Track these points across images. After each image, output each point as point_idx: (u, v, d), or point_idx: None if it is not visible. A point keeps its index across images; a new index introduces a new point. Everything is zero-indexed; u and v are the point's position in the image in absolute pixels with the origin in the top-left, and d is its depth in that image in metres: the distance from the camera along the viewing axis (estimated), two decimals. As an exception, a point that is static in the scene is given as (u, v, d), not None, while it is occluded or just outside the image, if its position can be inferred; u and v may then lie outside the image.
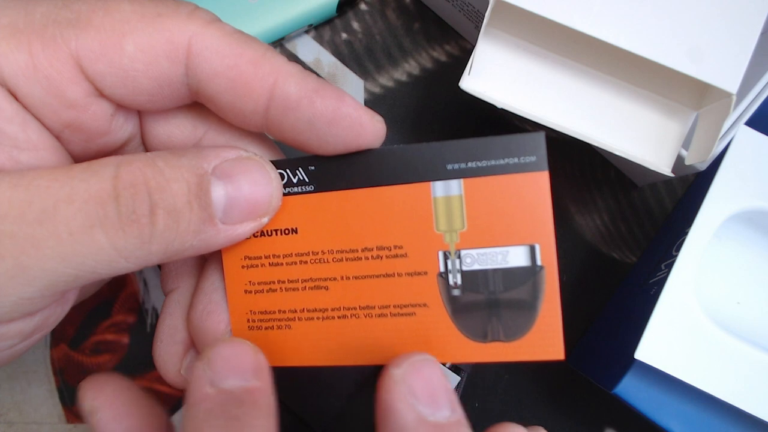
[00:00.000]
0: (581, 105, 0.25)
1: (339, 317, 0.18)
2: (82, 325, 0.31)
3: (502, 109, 0.24)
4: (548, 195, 0.16)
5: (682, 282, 0.23)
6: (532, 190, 0.16)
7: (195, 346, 0.19)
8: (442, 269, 0.17)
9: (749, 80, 0.25)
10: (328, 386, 0.30)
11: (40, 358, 0.30)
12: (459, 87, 0.24)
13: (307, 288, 0.18)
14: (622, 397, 0.24)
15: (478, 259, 0.17)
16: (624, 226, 0.32)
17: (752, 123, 0.25)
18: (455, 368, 0.29)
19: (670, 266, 0.24)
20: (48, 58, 0.15)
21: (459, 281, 0.17)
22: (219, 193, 0.16)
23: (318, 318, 0.18)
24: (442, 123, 0.32)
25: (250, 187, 0.16)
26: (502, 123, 0.32)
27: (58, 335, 0.31)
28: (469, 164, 0.16)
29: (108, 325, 0.31)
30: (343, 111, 0.16)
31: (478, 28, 0.29)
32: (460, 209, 0.17)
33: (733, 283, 0.26)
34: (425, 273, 0.17)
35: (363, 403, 0.31)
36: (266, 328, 0.18)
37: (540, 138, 0.16)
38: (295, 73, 0.16)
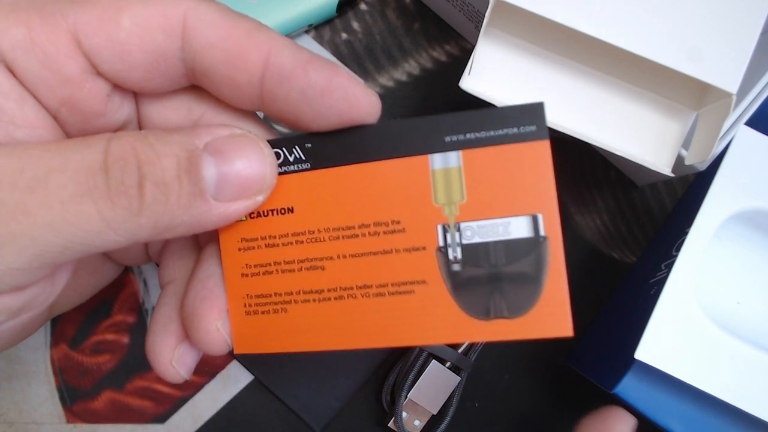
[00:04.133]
0: (581, 105, 0.25)
1: (336, 298, 0.17)
2: (82, 325, 0.31)
3: (502, 109, 0.24)
4: (550, 164, 0.16)
5: (682, 282, 0.23)
6: (533, 159, 0.16)
7: (187, 335, 0.19)
8: (441, 243, 0.16)
9: (749, 80, 0.25)
10: (328, 386, 0.30)
11: (40, 358, 0.30)
12: (459, 87, 0.24)
13: (303, 269, 0.18)
14: (622, 397, 0.24)
15: (478, 231, 0.16)
16: (624, 226, 0.32)
17: (752, 123, 0.25)
18: (455, 368, 0.29)
19: (670, 266, 0.24)
20: (45, 32, 0.15)
21: (459, 255, 0.16)
22: (210, 169, 0.16)
23: (314, 300, 0.17)
24: (442, 123, 0.32)
25: (242, 163, 0.16)
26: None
27: (58, 335, 0.31)
28: (468, 135, 0.16)
29: (108, 325, 0.31)
30: (336, 81, 0.16)
31: (478, 28, 0.29)
32: (459, 181, 0.16)
33: (733, 283, 0.26)
34: (424, 248, 0.16)
35: (363, 403, 0.31)
36: (262, 313, 0.18)
37: (540, 107, 0.15)
38: (289, 44, 0.16)
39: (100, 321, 0.31)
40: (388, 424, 0.29)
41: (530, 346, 0.31)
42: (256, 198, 0.17)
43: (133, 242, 0.16)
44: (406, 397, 0.29)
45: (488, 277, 0.16)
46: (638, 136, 0.25)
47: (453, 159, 0.16)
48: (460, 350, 0.29)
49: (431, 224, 0.16)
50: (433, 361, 0.29)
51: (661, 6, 0.23)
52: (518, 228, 0.16)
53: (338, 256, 0.17)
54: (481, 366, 0.31)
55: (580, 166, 0.32)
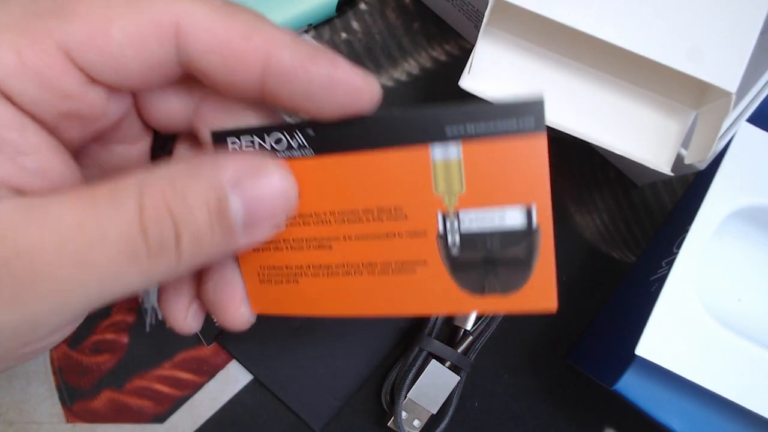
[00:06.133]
0: (581, 104, 0.25)
1: (343, 273, 0.18)
2: (82, 324, 0.31)
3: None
4: (545, 158, 0.17)
5: (683, 279, 0.23)
6: (530, 153, 0.17)
7: (210, 314, 0.20)
8: (441, 231, 0.17)
9: (749, 79, 0.25)
10: (328, 386, 0.30)
11: (39, 358, 0.30)
12: (459, 86, 0.24)
13: (311, 247, 0.18)
14: (622, 393, 0.24)
15: (475, 220, 0.17)
16: (624, 226, 0.32)
17: (752, 122, 0.25)
18: (455, 368, 0.29)
19: (671, 263, 0.24)
20: (36, 53, 0.15)
21: (457, 241, 0.17)
22: (237, 208, 0.16)
23: (323, 274, 0.19)
24: (441, 123, 0.32)
25: (267, 197, 0.16)
26: (502, 123, 0.32)
27: (58, 335, 0.31)
28: (468, 127, 0.16)
29: (107, 325, 0.31)
30: (338, 76, 0.16)
31: (477, 28, 0.29)
32: (459, 172, 0.17)
33: (734, 280, 0.26)
34: (424, 234, 0.17)
35: (363, 402, 0.31)
36: (275, 282, 0.19)
37: (539, 102, 0.16)
38: (288, 41, 0.16)
39: (100, 320, 0.31)
40: (388, 424, 0.29)
41: (530, 344, 0.31)
42: (282, 221, 0.18)
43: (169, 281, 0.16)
44: (406, 397, 0.29)
45: (484, 261, 0.17)
46: (638, 135, 0.25)
47: (453, 151, 0.17)
48: (459, 350, 0.29)
49: (432, 212, 0.17)
50: (433, 360, 0.29)
51: (660, 5, 0.23)
52: (513, 218, 0.17)
53: (344, 238, 0.18)
54: (480, 365, 0.31)
55: (580, 166, 0.32)
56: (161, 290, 0.20)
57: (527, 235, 0.17)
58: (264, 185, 0.16)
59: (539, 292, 0.17)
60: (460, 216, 0.17)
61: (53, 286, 0.14)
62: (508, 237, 0.17)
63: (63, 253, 0.14)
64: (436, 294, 0.18)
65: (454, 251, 0.17)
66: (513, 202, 0.17)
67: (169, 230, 0.15)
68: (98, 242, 0.14)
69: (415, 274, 0.18)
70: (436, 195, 0.17)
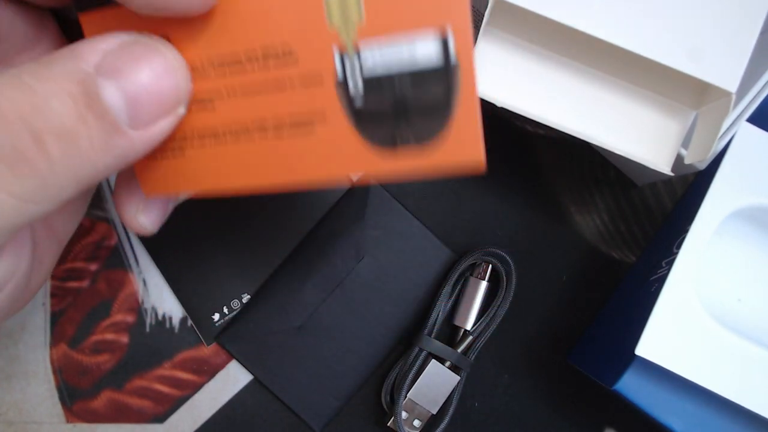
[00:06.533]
0: (581, 104, 0.25)
1: (233, 141, 0.16)
2: (82, 324, 0.31)
3: (502, 108, 0.24)
4: None
5: (682, 279, 0.23)
6: None
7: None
8: (339, 75, 0.15)
9: (748, 79, 0.25)
10: (328, 386, 0.30)
11: (39, 358, 0.30)
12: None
13: (192, 110, 0.16)
14: (622, 393, 0.24)
15: (380, 57, 0.14)
16: (623, 226, 0.32)
17: (752, 122, 0.25)
18: (454, 368, 0.29)
19: (670, 263, 0.24)
20: None
21: (360, 88, 0.15)
22: (113, 94, 0.13)
23: (211, 144, 0.16)
24: (441, 123, 0.32)
25: (148, 76, 0.14)
26: (502, 122, 0.32)
27: (58, 335, 0.31)
28: None
29: (107, 325, 0.31)
30: None
31: (477, 28, 0.29)
32: None
33: (734, 280, 0.26)
34: (320, 80, 0.15)
35: (363, 402, 0.31)
36: (162, 158, 0.17)
37: None
38: None
39: (100, 320, 0.31)
40: (388, 424, 0.29)
41: (530, 345, 0.31)
42: (178, 111, 0.15)
43: (61, 203, 0.14)
44: (406, 397, 0.29)
45: (393, 108, 0.15)
46: (638, 135, 0.25)
47: None
48: (459, 350, 0.29)
49: (326, 50, 0.14)
50: (433, 360, 0.29)
51: (660, 5, 0.23)
52: (425, 50, 0.14)
53: (227, 94, 0.16)
54: (480, 366, 0.31)
55: (580, 166, 0.32)
56: (114, 185, 0.18)
57: (444, 71, 0.14)
58: (144, 68, 0.14)
59: (461, 143, 0.14)
60: (362, 54, 0.14)
61: None
62: (420, 76, 0.14)
63: None
64: (341, 153, 0.15)
65: (358, 101, 0.15)
66: (424, 26, 0.14)
67: (18, 129, 0.12)
68: None
69: (313, 132, 0.15)
70: (330, 29, 0.14)
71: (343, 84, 0.15)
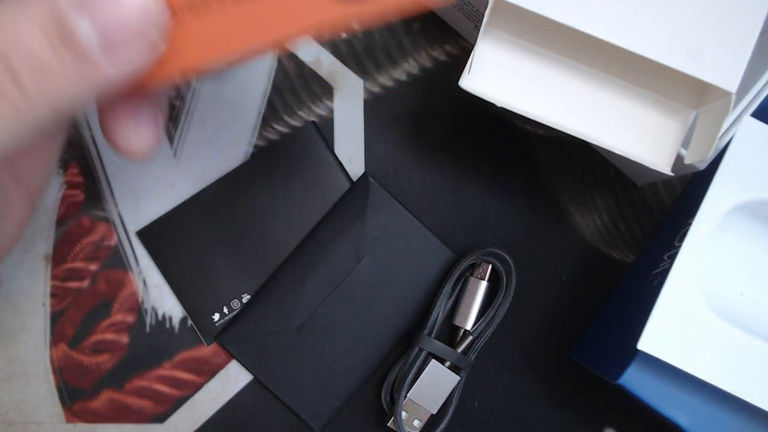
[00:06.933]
0: (581, 104, 0.25)
1: (192, 17, 0.16)
2: (82, 324, 0.31)
3: (502, 108, 0.24)
4: None
5: (685, 273, 0.23)
6: None
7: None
8: None
9: (748, 79, 0.25)
10: (328, 386, 0.30)
11: (39, 358, 0.30)
12: (458, 86, 0.24)
13: None
14: (626, 387, 0.24)
15: None
16: (624, 226, 0.32)
17: (752, 122, 0.25)
18: (454, 368, 0.29)
19: (673, 257, 0.24)
20: None
21: None
22: (85, 25, 0.13)
23: (191, 18, 0.16)
24: (442, 123, 0.32)
25: (123, 11, 0.14)
26: (502, 122, 0.32)
27: (58, 335, 0.31)
28: None
29: (107, 325, 0.31)
30: None
31: (477, 28, 0.29)
32: None
33: (737, 274, 0.26)
34: None
35: (363, 402, 0.31)
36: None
37: None
38: None
39: (100, 320, 0.31)
40: (388, 424, 0.29)
41: (530, 345, 0.31)
42: (156, 42, 0.15)
43: (39, 133, 0.14)
44: (406, 397, 0.29)
45: None
46: (638, 135, 0.25)
47: None
48: (459, 350, 0.29)
49: None
50: (433, 360, 0.29)
51: (660, 5, 0.23)
52: None
53: None
54: (480, 365, 0.31)
55: (580, 166, 0.32)
56: (98, 113, 0.18)
57: None
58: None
59: None
60: None
61: None
62: None
63: None
64: (308, 6, 0.16)
65: None
66: None
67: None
68: None
69: None
70: None
71: None
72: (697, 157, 0.23)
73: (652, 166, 0.24)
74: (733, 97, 0.22)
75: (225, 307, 0.31)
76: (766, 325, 0.25)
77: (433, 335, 0.29)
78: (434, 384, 0.29)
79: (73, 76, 0.14)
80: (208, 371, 0.31)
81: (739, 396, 0.22)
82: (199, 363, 0.31)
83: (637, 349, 0.23)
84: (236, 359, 0.30)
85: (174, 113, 0.32)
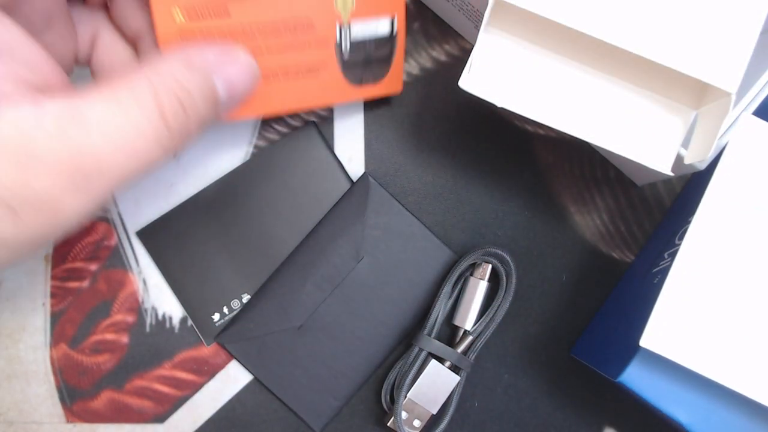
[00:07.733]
0: (580, 105, 0.25)
1: (264, 82, 0.26)
2: (82, 324, 0.31)
3: (502, 108, 0.24)
4: None
5: (686, 270, 0.23)
6: None
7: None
8: (338, 40, 0.26)
9: (748, 79, 0.25)
10: (328, 386, 0.30)
11: (39, 358, 0.30)
12: (459, 86, 0.24)
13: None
14: (627, 385, 0.24)
15: (361, 31, 0.26)
16: (623, 226, 0.32)
17: (752, 122, 0.25)
18: (454, 368, 0.29)
19: (673, 255, 0.24)
20: None
21: (348, 48, 0.26)
22: (222, 90, 0.22)
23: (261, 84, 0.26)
24: (442, 123, 0.32)
25: (240, 76, 0.23)
26: (502, 122, 0.32)
27: (58, 335, 0.31)
28: None
29: (107, 325, 0.31)
30: None
31: (477, 28, 0.29)
32: None
33: (738, 271, 0.26)
34: (326, 43, 0.26)
35: (363, 402, 0.31)
36: None
37: None
38: None
39: (100, 320, 0.31)
40: (388, 424, 0.29)
41: (530, 345, 0.31)
42: (251, 90, 0.24)
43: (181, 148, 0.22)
44: (406, 397, 0.29)
45: (364, 60, 0.27)
46: (638, 135, 0.25)
47: None
48: (459, 350, 0.29)
49: (332, 25, 0.26)
50: (433, 360, 0.29)
51: (660, 5, 0.23)
52: (384, 26, 0.27)
53: (267, 51, 0.25)
54: (480, 366, 0.31)
55: (580, 166, 0.32)
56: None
57: (390, 39, 0.27)
58: (237, 68, 0.23)
59: (392, 81, 0.29)
60: (351, 27, 0.26)
61: (115, 174, 0.19)
62: (380, 42, 0.27)
63: (116, 149, 0.18)
64: (332, 88, 0.27)
65: (346, 56, 0.27)
66: (383, 14, 0.27)
67: (182, 117, 0.20)
68: (136, 136, 0.19)
69: (319, 76, 0.27)
70: (335, 11, 0.26)
71: (339, 45, 0.26)
72: (697, 157, 0.23)
73: (652, 166, 0.24)
74: (733, 98, 0.22)
75: (225, 307, 0.31)
76: (767, 322, 0.25)
77: (433, 335, 0.29)
78: (434, 384, 0.29)
79: (209, 119, 0.22)
80: (208, 371, 0.31)
81: (742, 392, 0.22)
82: (199, 363, 0.31)
83: (636, 347, 0.23)
84: (236, 359, 0.30)
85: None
